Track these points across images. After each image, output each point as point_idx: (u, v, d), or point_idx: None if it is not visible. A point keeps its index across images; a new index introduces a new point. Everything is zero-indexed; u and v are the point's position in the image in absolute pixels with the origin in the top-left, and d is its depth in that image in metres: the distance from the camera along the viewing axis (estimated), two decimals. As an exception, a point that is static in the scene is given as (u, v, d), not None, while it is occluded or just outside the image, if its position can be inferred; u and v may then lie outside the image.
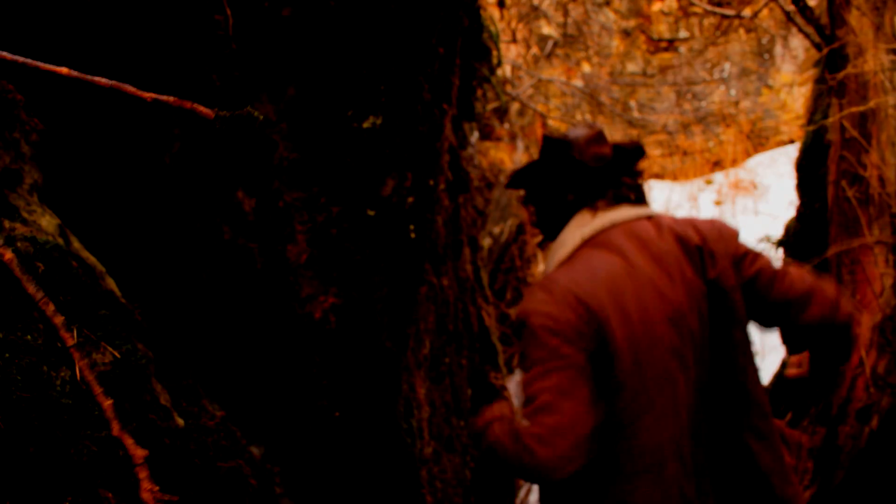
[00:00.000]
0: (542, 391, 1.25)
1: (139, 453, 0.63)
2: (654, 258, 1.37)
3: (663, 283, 1.34)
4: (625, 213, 1.42)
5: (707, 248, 1.40)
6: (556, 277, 1.35)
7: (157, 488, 0.63)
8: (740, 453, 1.36)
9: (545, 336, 1.28)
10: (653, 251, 1.37)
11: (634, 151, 1.49)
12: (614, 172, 1.46)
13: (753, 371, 1.40)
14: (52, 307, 0.61)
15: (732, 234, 1.45)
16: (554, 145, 1.48)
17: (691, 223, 1.45)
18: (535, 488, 1.68)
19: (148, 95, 0.61)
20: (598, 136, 1.46)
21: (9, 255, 0.61)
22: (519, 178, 1.56)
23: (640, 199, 1.48)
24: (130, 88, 0.61)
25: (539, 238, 5.98)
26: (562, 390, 1.24)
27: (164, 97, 0.61)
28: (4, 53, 0.59)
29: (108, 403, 0.62)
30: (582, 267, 1.35)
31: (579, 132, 1.47)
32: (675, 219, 1.47)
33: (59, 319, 0.62)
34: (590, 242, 1.39)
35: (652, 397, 1.29)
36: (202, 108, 0.60)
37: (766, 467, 1.35)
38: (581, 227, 1.41)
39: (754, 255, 1.44)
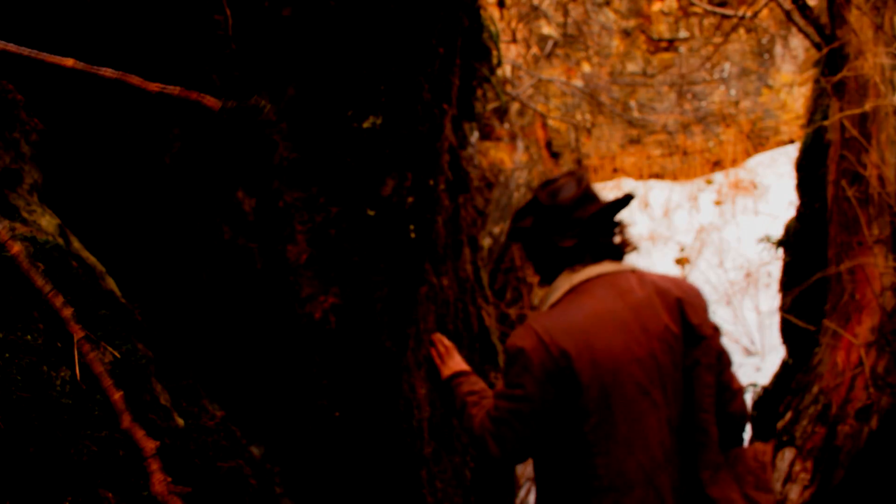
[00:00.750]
0: (508, 407, 1.58)
1: (149, 445, 0.63)
2: (631, 307, 1.58)
3: (637, 329, 1.55)
4: (608, 267, 1.65)
5: (687, 300, 1.62)
6: (541, 319, 1.60)
7: (169, 479, 0.62)
8: (698, 487, 1.55)
9: (521, 370, 1.55)
10: (630, 300, 1.59)
11: (616, 207, 1.66)
12: (594, 236, 1.65)
13: (712, 414, 1.59)
14: (60, 299, 0.61)
15: (706, 301, 1.67)
16: (541, 211, 1.68)
17: (673, 281, 1.68)
18: (535, 488, 1.75)
19: (153, 86, 0.61)
20: (583, 197, 1.64)
21: (17, 248, 0.61)
22: (515, 234, 1.79)
23: (620, 255, 1.69)
24: (136, 79, 0.61)
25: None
26: (520, 415, 1.56)
27: (170, 88, 0.61)
28: (10, 46, 0.59)
29: (118, 395, 0.62)
30: (563, 312, 1.60)
31: (565, 192, 1.65)
32: (658, 275, 1.70)
33: (67, 312, 0.62)
34: (576, 290, 1.63)
35: (617, 428, 1.50)
36: (208, 99, 0.61)
37: (719, 499, 1.55)
38: (570, 276, 1.66)
39: (719, 333, 1.66)
